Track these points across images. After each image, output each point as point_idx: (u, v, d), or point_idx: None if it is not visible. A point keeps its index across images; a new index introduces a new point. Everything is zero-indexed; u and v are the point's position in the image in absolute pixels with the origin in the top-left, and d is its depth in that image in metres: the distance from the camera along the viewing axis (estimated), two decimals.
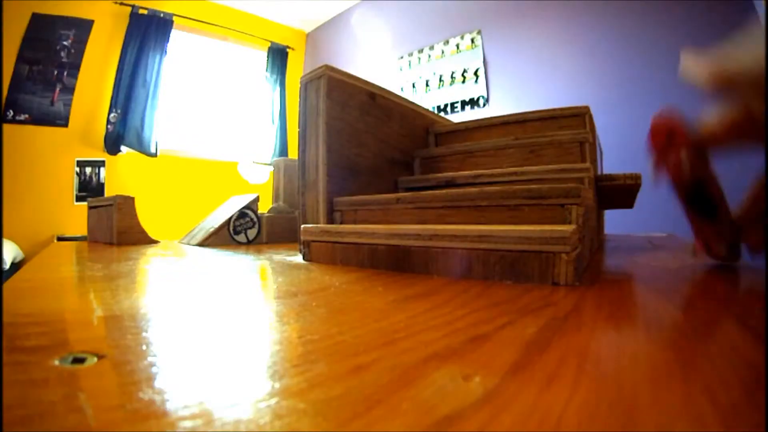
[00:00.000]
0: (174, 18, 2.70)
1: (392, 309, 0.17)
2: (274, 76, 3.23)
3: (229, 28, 3.00)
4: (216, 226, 0.59)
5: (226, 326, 0.15)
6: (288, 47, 3.33)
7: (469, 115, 2.35)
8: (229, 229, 0.59)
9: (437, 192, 0.32)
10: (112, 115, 2.44)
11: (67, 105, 2.24)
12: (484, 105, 2.31)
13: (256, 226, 0.62)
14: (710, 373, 0.10)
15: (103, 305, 0.18)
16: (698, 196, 0.23)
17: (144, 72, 2.56)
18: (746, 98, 0.19)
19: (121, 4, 2.51)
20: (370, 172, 0.44)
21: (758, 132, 0.19)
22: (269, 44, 3.22)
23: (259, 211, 0.64)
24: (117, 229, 0.59)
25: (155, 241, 0.63)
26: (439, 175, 0.43)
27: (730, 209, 0.24)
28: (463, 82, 2.41)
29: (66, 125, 2.24)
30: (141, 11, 2.56)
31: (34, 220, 1.99)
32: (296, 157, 0.44)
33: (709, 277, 0.26)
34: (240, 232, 0.61)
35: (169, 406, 0.08)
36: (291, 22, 3.35)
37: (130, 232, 0.61)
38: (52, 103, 2.21)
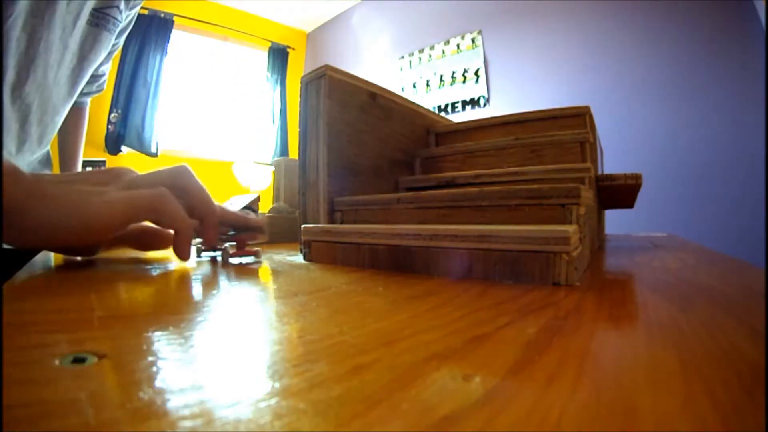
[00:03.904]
0: (174, 18, 2.70)
1: (393, 309, 0.17)
2: (275, 76, 3.23)
3: (230, 28, 3.00)
4: None
5: (227, 326, 0.15)
6: (288, 47, 3.33)
7: (470, 115, 2.35)
8: None
9: (438, 192, 0.32)
10: (112, 115, 2.44)
11: None
12: (485, 105, 2.31)
13: None
14: (710, 373, 0.10)
15: (103, 305, 0.18)
16: None
17: (144, 72, 2.56)
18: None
19: None
20: (371, 172, 0.44)
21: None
22: (270, 44, 3.22)
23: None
24: None
25: None
26: (440, 175, 0.43)
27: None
28: (464, 82, 2.41)
29: None
30: (141, 11, 2.56)
31: None
32: (297, 157, 0.44)
33: (709, 276, 0.26)
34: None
35: (169, 406, 0.08)
36: (291, 22, 3.35)
37: None
38: None
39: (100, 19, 0.63)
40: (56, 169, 0.79)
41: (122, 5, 0.66)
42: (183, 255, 0.31)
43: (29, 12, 0.52)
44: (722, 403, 0.08)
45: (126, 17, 0.70)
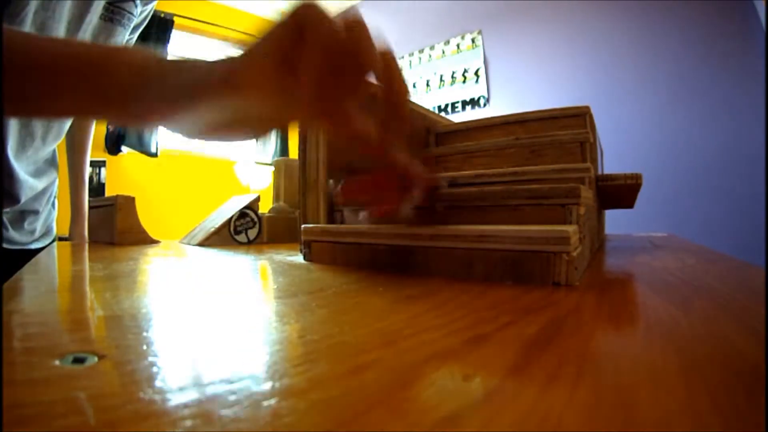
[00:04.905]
0: (174, 18, 2.70)
1: (393, 309, 0.18)
2: None
3: (230, 28, 3.00)
4: (216, 226, 0.59)
5: (227, 326, 0.15)
6: None
7: (470, 115, 2.35)
8: (229, 229, 0.60)
9: (438, 192, 0.32)
10: None
11: None
12: (485, 105, 2.31)
13: (257, 226, 0.62)
14: (710, 373, 0.10)
15: (103, 305, 0.18)
16: None
17: None
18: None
19: None
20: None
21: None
22: None
23: (260, 211, 0.64)
24: (118, 229, 0.60)
25: (156, 241, 0.63)
26: (440, 175, 0.43)
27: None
28: (464, 82, 2.41)
29: None
30: None
31: None
32: (297, 157, 0.44)
33: (710, 276, 0.26)
34: (240, 232, 0.61)
35: (169, 406, 0.08)
36: None
37: (131, 232, 0.61)
38: None
39: (115, 14, 0.62)
40: (63, 166, 0.79)
41: (138, 0, 0.65)
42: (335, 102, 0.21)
43: (40, 5, 0.52)
44: (722, 403, 0.08)
45: (141, 13, 0.69)
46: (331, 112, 0.21)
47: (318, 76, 0.20)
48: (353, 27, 0.21)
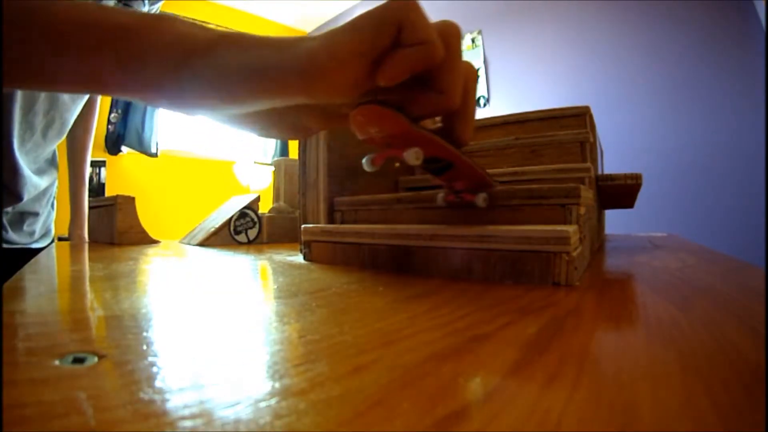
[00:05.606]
0: None
1: (393, 309, 0.18)
2: None
3: (230, 28, 3.00)
4: (216, 226, 0.59)
5: (227, 326, 0.15)
6: None
7: None
8: (229, 229, 0.60)
9: (438, 192, 0.32)
10: (112, 115, 2.44)
11: None
12: (485, 105, 2.31)
13: (257, 226, 0.62)
14: (710, 372, 0.10)
15: (103, 305, 0.18)
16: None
17: None
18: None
19: None
20: (371, 172, 0.44)
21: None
22: None
23: (260, 211, 0.64)
24: (118, 229, 0.60)
25: (156, 242, 0.63)
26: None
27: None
28: None
29: None
30: None
31: None
32: (297, 157, 0.44)
33: (710, 276, 0.26)
34: (240, 232, 0.61)
35: (169, 406, 0.08)
36: (291, 22, 3.34)
37: (131, 232, 0.61)
38: None
39: None
40: (63, 166, 0.79)
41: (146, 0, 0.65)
42: (451, 90, 0.19)
43: None
44: (722, 403, 0.08)
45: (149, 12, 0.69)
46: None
47: (397, 83, 0.18)
48: (450, 45, 0.20)
